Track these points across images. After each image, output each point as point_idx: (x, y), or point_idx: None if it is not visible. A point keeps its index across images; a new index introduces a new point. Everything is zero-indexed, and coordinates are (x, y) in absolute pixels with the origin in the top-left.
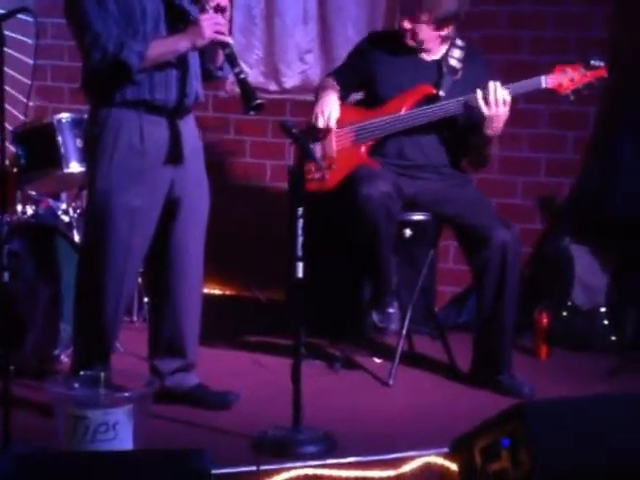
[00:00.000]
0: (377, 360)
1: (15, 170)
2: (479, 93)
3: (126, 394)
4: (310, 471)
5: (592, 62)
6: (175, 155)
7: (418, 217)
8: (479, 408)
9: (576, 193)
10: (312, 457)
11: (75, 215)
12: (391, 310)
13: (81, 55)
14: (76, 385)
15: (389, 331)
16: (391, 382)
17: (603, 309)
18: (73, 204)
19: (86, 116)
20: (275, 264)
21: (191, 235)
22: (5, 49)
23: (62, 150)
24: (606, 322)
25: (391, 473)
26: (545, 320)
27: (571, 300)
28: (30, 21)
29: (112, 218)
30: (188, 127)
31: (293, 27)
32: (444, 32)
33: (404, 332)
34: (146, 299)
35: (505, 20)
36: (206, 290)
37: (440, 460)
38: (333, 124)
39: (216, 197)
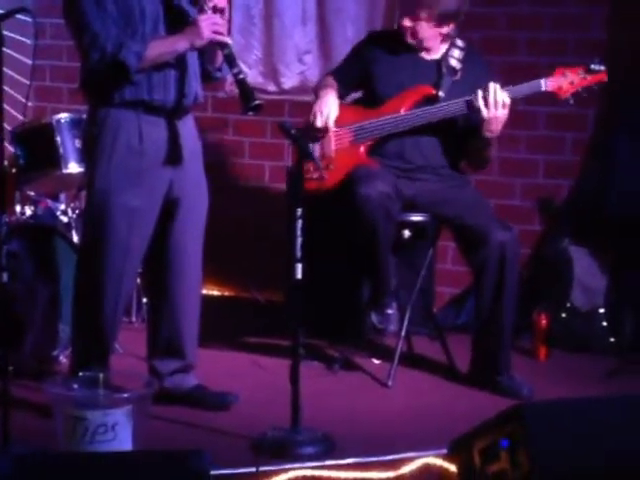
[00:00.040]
0: (376, 361)
1: (14, 170)
2: (480, 94)
3: (125, 395)
4: (309, 472)
5: (592, 66)
6: (174, 155)
7: (417, 218)
8: (478, 409)
9: (575, 194)
10: (311, 458)
11: (74, 215)
12: (390, 311)
13: (80, 55)
14: (75, 386)
15: (388, 332)
16: (390, 383)
17: (602, 310)
18: (72, 204)
19: (85, 116)
20: (274, 265)
21: (190, 235)
22: (4, 49)
23: (61, 150)
24: (605, 323)
25: (390, 474)
26: (544, 321)
27: (570, 301)
28: (29, 21)
29: (111, 218)
30: (187, 127)
31: (292, 28)
32: (444, 30)
33: (403, 333)
34: (145, 299)
35: (503, 21)
36: (205, 291)
37: (439, 461)
38: (331, 123)
39: (215, 197)
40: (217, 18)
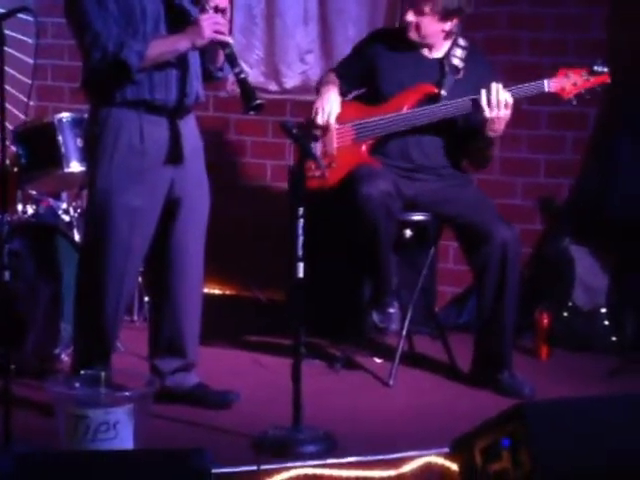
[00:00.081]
0: (377, 360)
1: (16, 169)
2: (483, 94)
3: (127, 393)
4: (310, 471)
5: (595, 67)
6: (175, 155)
7: (418, 217)
8: (479, 408)
9: (576, 194)
10: (312, 457)
11: (75, 215)
12: (391, 310)
13: (81, 54)
14: (77, 384)
15: (389, 331)
16: (391, 382)
17: (603, 310)
18: (73, 204)
19: (86, 116)
20: (275, 264)
21: (191, 235)
22: (5, 48)
23: (62, 150)
24: (606, 323)
25: (391, 473)
26: (546, 321)
27: (572, 301)
28: (30, 20)
29: (112, 218)
30: (188, 127)
31: (294, 27)
32: (447, 26)
33: (404, 332)
34: (146, 299)
35: (504, 21)
36: (206, 290)
37: (440, 460)
38: (333, 121)
39: (216, 197)
40: (219, 18)
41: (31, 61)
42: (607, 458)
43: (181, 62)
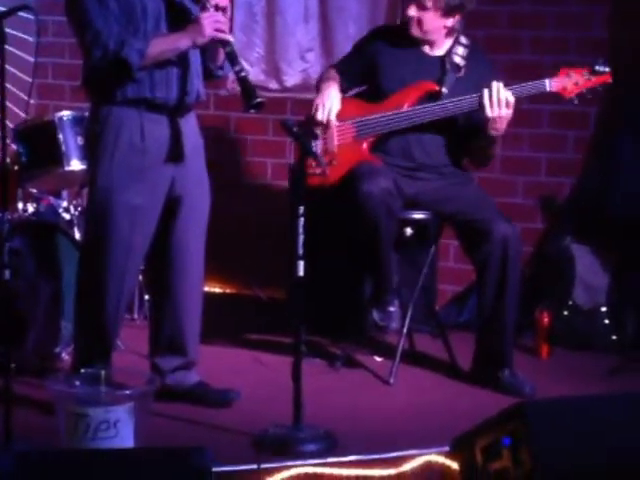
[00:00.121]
0: (378, 358)
1: (16, 168)
2: (485, 93)
3: (127, 392)
4: (310, 469)
5: (597, 67)
6: (176, 153)
7: (419, 216)
8: (480, 407)
9: (577, 193)
10: (313, 455)
11: (76, 213)
12: (392, 308)
13: (82, 53)
14: (77, 383)
15: (390, 329)
16: (392, 381)
17: (604, 308)
18: (74, 202)
19: (87, 114)
20: (276, 262)
21: (192, 233)
22: (6, 47)
23: (63, 148)
24: (607, 321)
25: (392, 472)
26: (546, 319)
27: (572, 299)
28: (31, 19)
29: (113, 216)
30: (189, 125)
31: (294, 25)
32: (449, 23)
33: (405, 331)
34: (147, 297)
35: (505, 20)
36: (207, 288)
37: (441, 459)
38: (333, 117)
39: (217, 195)
40: (219, 16)
41: (32, 59)
42: (607, 456)
43: (182, 60)
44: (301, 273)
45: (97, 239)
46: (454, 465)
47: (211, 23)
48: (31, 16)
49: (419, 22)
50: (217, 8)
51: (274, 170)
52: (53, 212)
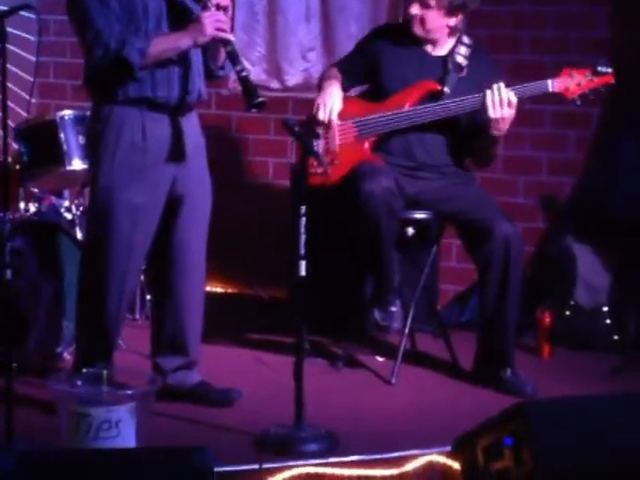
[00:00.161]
0: (379, 358)
1: (17, 167)
2: (487, 93)
3: (129, 392)
4: (312, 469)
5: (599, 68)
6: (177, 153)
7: (420, 215)
8: (482, 407)
9: (578, 192)
10: (314, 455)
11: (78, 212)
12: (393, 308)
13: (83, 52)
14: (79, 383)
15: (391, 329)
16: (393, 380)
17: (605, 308)
18: (76, 201)
19: (88, 113)
20: (277, 262)
21: (193, 233)
22: (8, 46)
23: (64, 147)
24: (608, 321)
25: (393, 472)
26: (548, 319)
27: (574, 299)
28: (33, 18)
29: (114, 215)
30: (190, 125)
31: (295, 25)
32: (452, 22)
33: (406, 330)
34: (148, 296)
35: (506, 20)
36: (208, 288)
37: (443, 459)
38: (334, 117)
39: (219, 195)
40: (220, 15)
41: (33, 58)
42: (609, 457)
43: (183, 60)
44: (303, 273)
45: (99, 238)
46: (456, 465)
47: (212, 22)
48: (33, 15)
49: (422, 21)
50: (218, 7)
51: (276, 170)
52: (55, 212)
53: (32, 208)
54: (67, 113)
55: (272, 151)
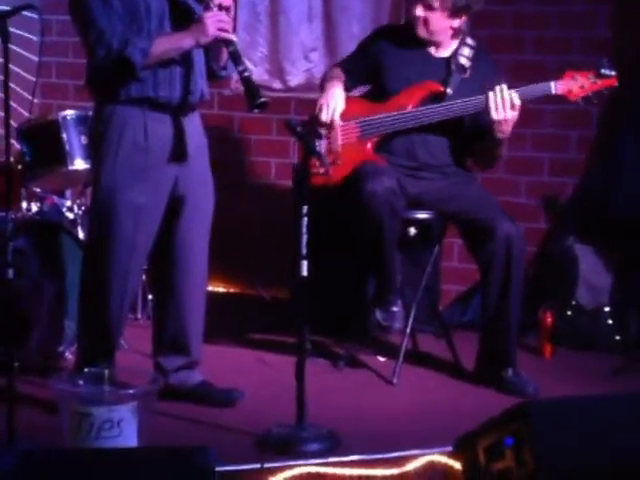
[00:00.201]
0: (381, 358)
1: (20, 167)
2: (490, 95)
3: (130, 391)
4: (314, 469)
5: (603, 71)
6: (179, 153)
7: (422, 215)
8: (483, 407)
9: (579, 193)
10: (316, 455)
11: (80, 212)
12: (395, 308)
13: (85, 52)
14: (80, 382)
15: (393, 329)
16: (395, 380)
17: (607, 309)
18: (78, 201)
19: (91, 113)
20: (279, 262)
21: (195, 233)
22: (10, 46)
23: (67, 147)
24: (610, 322)
25: (395, 471)
26: (549, 319)
27: (575, 299)
28: (35, 18)
29: (116, 215)
30: (193, 125)
31: (298, 25)
32: (456, 24)
33: (408, 330)
34: (150, 296)
35: (508, 20)
36: (210, 288)
37: (444, 459)
38: (337, 117)
39: (221, 195)
40: (223, 15)
41: (36, 59)
42: (611, 457)
43: (185, 60)
44: (305, 273)
45: (101, 238)
46: (457, 465)
47: (214, 23)
48: (35, 15)
49: (425, 22)
50: (221, 7)
51: (278, 170)
52: (57, 211)
53: (34, 208)
54: (69, 113)
55: (274, 151)
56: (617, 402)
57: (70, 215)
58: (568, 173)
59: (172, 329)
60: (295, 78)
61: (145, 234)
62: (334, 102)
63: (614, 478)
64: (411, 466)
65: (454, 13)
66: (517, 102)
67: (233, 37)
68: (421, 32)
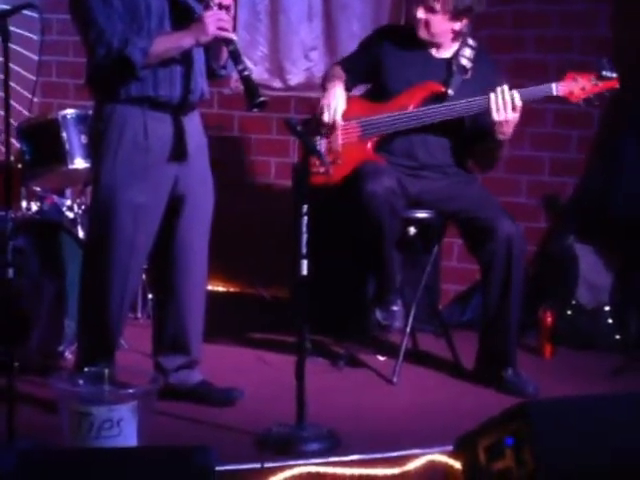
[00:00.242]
0: (381, 358)
1: (20, 166)
2: (492, 97)
3: (130, 391)
4: (314, 469)
5: (604, 73)
6: (179, 152)
7: (422, 215)
8: (483, 406)
9: (580, 193)
10: (316, 454)
11: (80, 211)
12: (395, 308)
13: (86, 51)
14: (80, 382)
15: (393, 329)
16: (395, 380)
17: (607, 308)
18: (78, 200)
19: (91, 112)
20: (279, 261)
21: (195, 232)
22: (10, 45)
23: (67, 146)
24: (610, 321)
25: (395, 471)
26: (549, 319)
27: (575, 299)
28: (35, 17)
29: (116, 214)
30: (193, 124)
31: (298, 24)
32: (457, 26)
33: (408, 330)
34: (150, 296)
35: (509, 20)
36: (210, 287)
37: (444, 458)
38: (339, 118)
39: (221, 194)
40: (222, 14)
41: (36, 57)
42: (611, 457)
43: (185, 59)
44: (304, 272)
45: (101, 237)
46: (457, 465)
47: (214, 22)
48: (35, 14)
49: (427, 25)
50: (220, 6)
51: (278, 169)
52: (57, 211)
53: (34, 207)
54: (69, 112)
55: (274, 150)
56: (617, 402)
57: (70, 214)
58: (569, 173)
59: (172, 328)
60: (295, 77)
61: (145, 233)
62: (335, 102)
63: (614, 478)
64: (411, 465)
65: (455, 16)
66: (518, 103)
67: (233, 36)
68: (422, 34)
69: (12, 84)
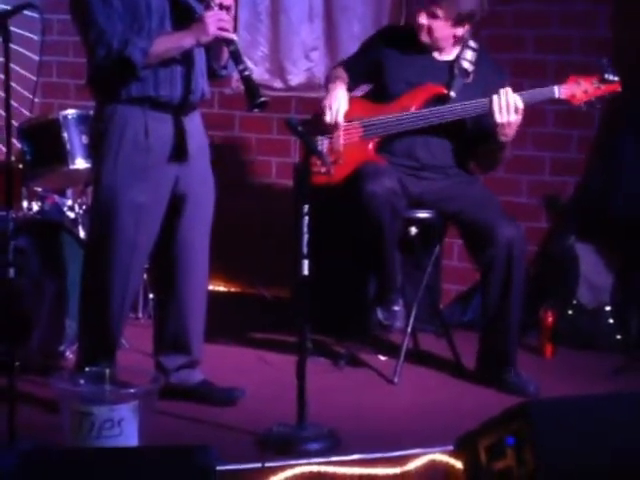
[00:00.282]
0: (382, 358)
1: (20, 166)
2: (494, 99)
3: (131, 390)
4: (314, 468)
5: (606, 76)
6: (180, 152)
7: (423, 215)
8: (484, 406)
9: (580, 192)
10: (316, 454)
11: (81, 211)
12: (396, 308)
13: (86, 51)
14: (81, 381)
15: (394, 329)
16: (396, 380)
17: (608, 308)
18: (79, 200)
19: (92, 112)
20: (280, 261)
21: (196, 232)
22: (11, 45)
23: (67, 146)
24: (611, 321)
25: (396, 470)
26: (550, 319)
27: (576, 299)
28: (36, 17)
29: (117, 214)
30: (193, 124)
31: (299, 24)
32: (459, 32)
33: (409, 330)
34: (151, 295)
35: (509, 20)
36: (211, 287)
37: (445, 458)
38: (341, 119)
39: (221, 194)
40: (223, 14)
41: (36, 58)
42: (611, 456)
43: (186, 59)
44: (306, 272)
45: (102, 237)
46: (458, 464)
47: (215, 22)
48: (36, 15)
49: (429, 30)
50: (221, 7)
51: (279, 169)
52: (58, 211)
53: (35, 207)
54: (70, 112)
55: (275, 150)
56: (618, 402)
57: (71, 214)
58: (569, 172)
59: (173, 328)
60: (296, 77)
61: (146, 233)
62: (337, 103)
63: (614, 478)
64: (412, 465)
65: (458, 22)
66: (520, 106)
67: (234, 36)
68: (424, 39)
69: (13, 84)
